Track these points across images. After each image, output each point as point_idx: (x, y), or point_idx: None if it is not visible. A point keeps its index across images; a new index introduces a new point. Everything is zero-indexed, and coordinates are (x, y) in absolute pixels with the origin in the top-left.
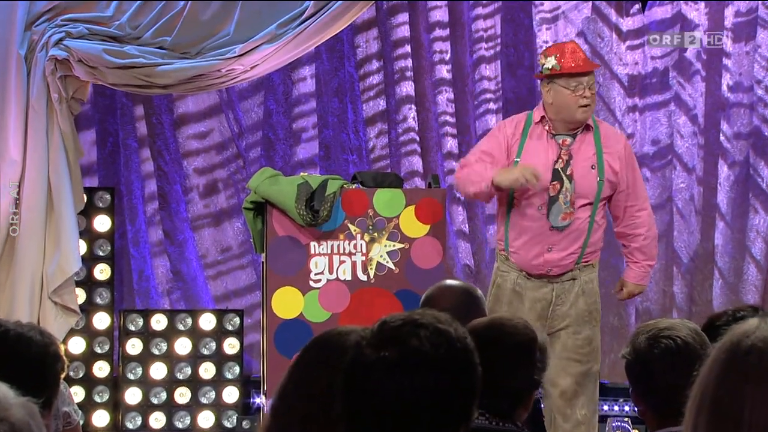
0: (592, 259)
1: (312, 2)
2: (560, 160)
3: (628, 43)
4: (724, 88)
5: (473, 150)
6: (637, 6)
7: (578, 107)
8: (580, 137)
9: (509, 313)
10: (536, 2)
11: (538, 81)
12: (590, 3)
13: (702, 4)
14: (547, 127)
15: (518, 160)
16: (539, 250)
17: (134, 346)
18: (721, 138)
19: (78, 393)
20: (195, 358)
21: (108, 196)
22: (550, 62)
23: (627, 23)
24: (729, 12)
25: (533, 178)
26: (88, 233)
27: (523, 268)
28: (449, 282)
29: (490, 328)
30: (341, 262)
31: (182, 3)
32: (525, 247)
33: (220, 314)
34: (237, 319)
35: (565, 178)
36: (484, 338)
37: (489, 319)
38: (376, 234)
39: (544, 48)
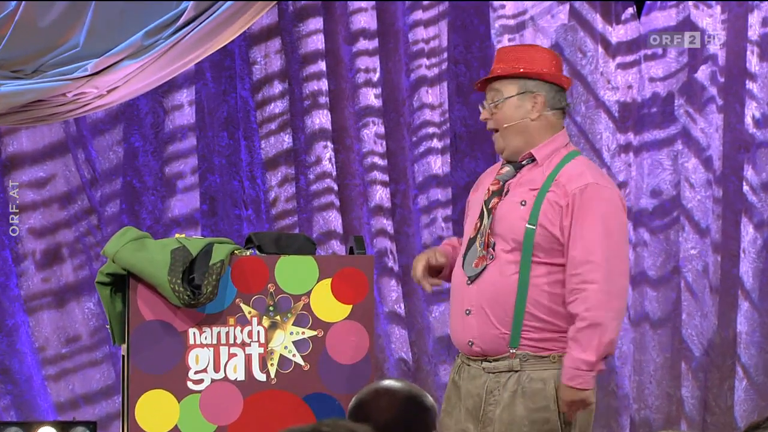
0: (543, 348)
1: (192, 2)
2: (488, 191)
3: (618, 59)
4: (748, 120)
5: None
6: (631, 10)
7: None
8: (525, 169)
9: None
10: (494, 2)
11: None
12: (567, 5)
13: (718, 8)
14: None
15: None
16: (460, 312)
17: None
18: (745, 188)
19: None
20: None
21: None
22: None
23: (618, 33)
24: (754, 19)
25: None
26: None
27: (454, 343)
28: (388, 384)
29: None
30: (231, 356)
31: (13, 3)
32: (452, 311)
33: (64, 427)
34: None
35: (485, 212)
36: None
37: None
38: (278, 317)
39: None
